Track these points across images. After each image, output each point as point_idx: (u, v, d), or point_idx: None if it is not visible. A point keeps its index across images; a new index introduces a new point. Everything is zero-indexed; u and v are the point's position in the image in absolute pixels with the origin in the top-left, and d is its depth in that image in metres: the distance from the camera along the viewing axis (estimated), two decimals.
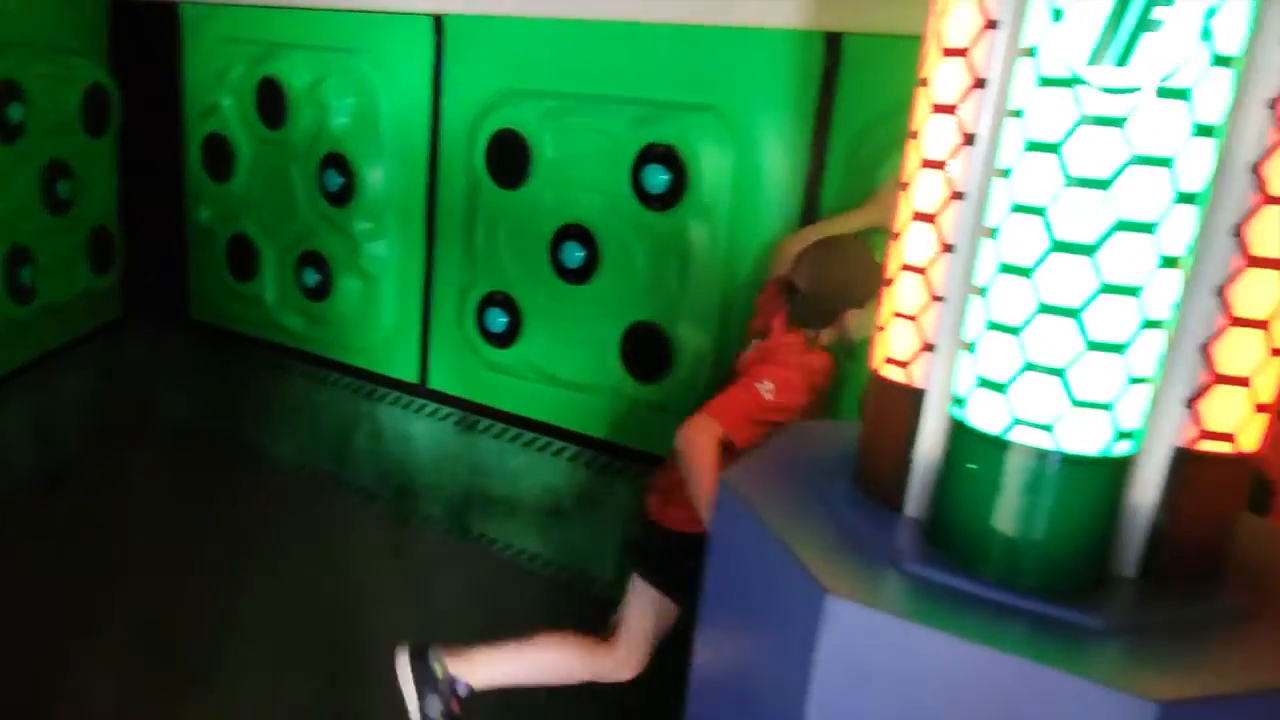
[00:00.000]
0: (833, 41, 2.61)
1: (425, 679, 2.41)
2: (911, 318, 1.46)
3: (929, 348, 1.44)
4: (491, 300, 3.32)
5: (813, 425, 2.04)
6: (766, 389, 2.15)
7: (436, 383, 3.67)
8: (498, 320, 3.32)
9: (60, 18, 3.62)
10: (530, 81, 3.11)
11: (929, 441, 1.45)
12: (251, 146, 3.82)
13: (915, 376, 1.47)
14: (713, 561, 1.69)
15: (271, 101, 3.64)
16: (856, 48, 2.58)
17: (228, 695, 2.67)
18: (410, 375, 3.73)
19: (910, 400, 1.47)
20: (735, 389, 2.20)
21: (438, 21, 3.28)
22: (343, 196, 3.57)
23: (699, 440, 2.11)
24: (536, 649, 2.43)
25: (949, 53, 1.37)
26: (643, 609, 2.38)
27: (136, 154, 4.13)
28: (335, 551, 3.52)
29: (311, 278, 3.77)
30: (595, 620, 3.18)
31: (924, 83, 1.43)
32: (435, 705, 2.41)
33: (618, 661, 2.40)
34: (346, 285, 3.72)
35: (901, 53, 2.51)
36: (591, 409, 3.26)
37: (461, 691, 2.42)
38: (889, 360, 1.51)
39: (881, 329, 1.54)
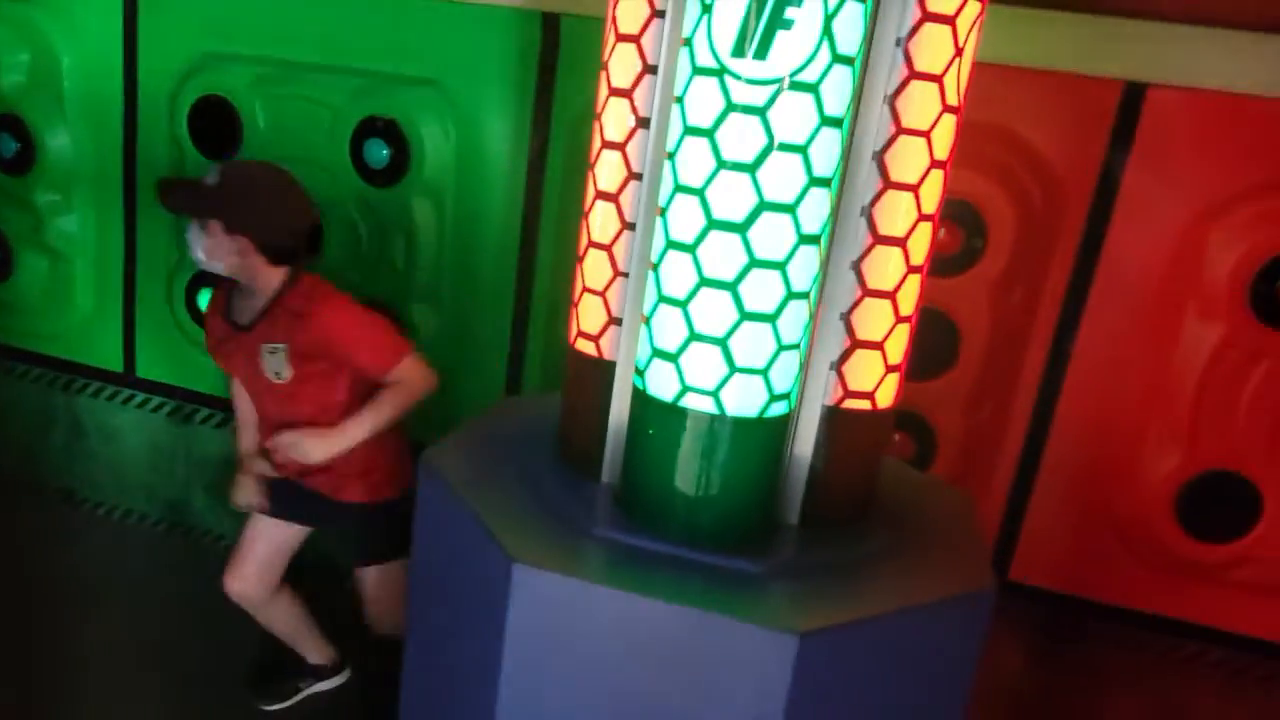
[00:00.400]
0: (550, 22, 2.63)
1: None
2: (599, 293, 1.52)
3: (615, 321, 1.51)
4: (204, 280, 3.08)
5: (519, 400, 2.09)
6: None
7: (145, 371, 3.37)
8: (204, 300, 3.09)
9: None
10: (237, 45, 2.90)
11: (618, 411, 1.53)
12: None
13: (605, 349, 1.54)
14: (418, 541, 1.68)
15: None
16: (573, 30, 2.63)
17: None
18: (115, 364, 3.39)
19: (602, 372, 1.54)
20: None
21: None
22: (20, 165, 3.16)
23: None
24: None
25: (623, 39, 1.43)
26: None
27: None
28: (40, 561, 3.18)
29: None
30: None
31: (605, 67, 1.49)
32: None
33: None
34: (31, 264, 3.31)
35: None
36: None
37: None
38: (581, 334, 1.57)
39: (575, 305, 1.59)
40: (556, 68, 2.67)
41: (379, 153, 2.76)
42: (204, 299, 3.09)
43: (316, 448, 2.12)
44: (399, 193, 2.79)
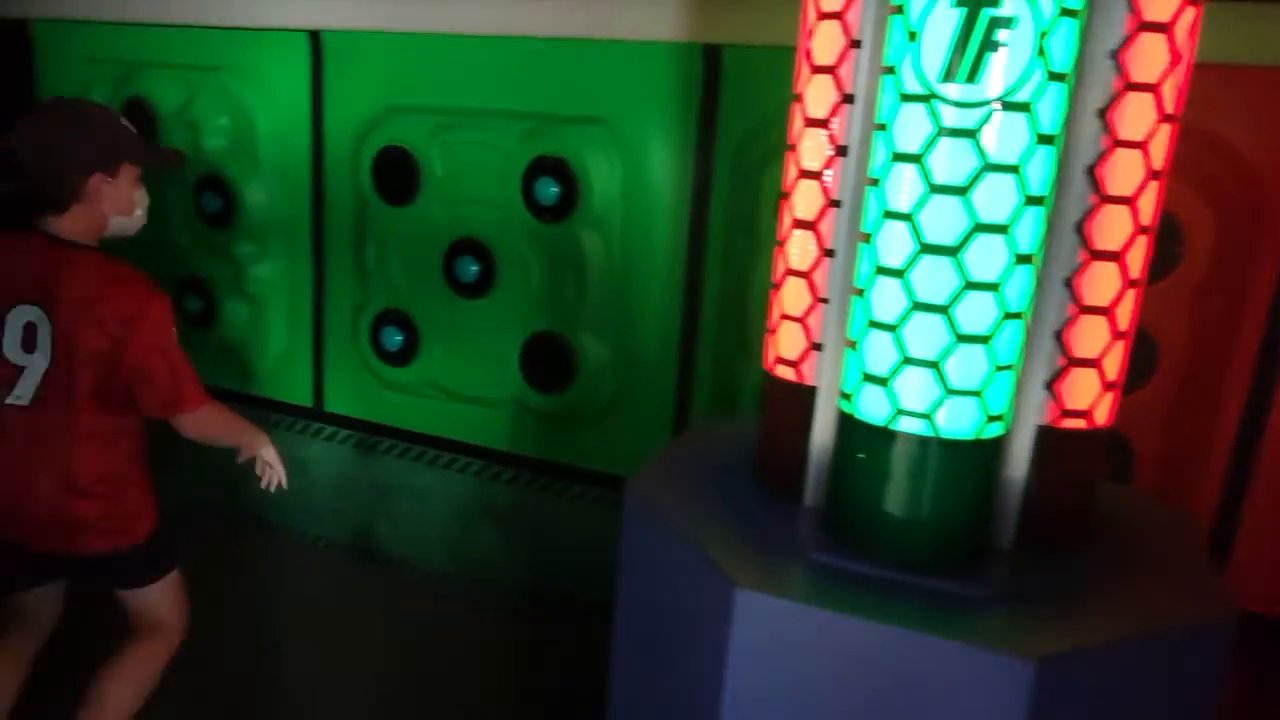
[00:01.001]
0: (712, 54, 2.70)
1: None
2: (799, 319, 1.55)
3: (816, 347, 1.53)
4: (386, 319, 3.29)
5: (713, 425, 2.12)
6: (174, 336, 1.98)
7: (333, 405, 3.60)
8: (394, 338, 3.29)
9: None
10: (415, 97, 3.10)
11: (822, 435, 1.54)
12: None
13: (806, 374, 1.56)
14: (624, 566, 1.74)
15: (140, 124, 3.48)
16: (735, 59, 2.68)
17: None
18: (305, 399, 3.65)
19: (802, 397, 1.56)
20: (176, 373, 1.96)
21: (314, 37, 3.23)
22: (222, 219, 3.47)
23: (206, 426, 2.10)
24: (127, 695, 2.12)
25: (818, 70, 1.46)
26: (157, 600, 2.16)
27: None
28: (237, 584, 3.42)
29: (194, 304, 3.64)
30: (505, 631, 3.21)
31: (798, 98, 1.52)
32: None
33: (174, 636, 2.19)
34: (232, 310, 3.61)
35: (778, 64, 2.63)
36: (494, 422, 3.26)
37: None
38: (780, 360, 1.60)
39: (772, 331, 1.62)
40: (719, 99, 2.73)
41: (549, 190, 2.88)
42: (388, 337, 3.30)
43: None
44: (569, 227, 2.90)
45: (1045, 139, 1.23)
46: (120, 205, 1.97)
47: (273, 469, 2.21)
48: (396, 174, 3.10)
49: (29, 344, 1.86)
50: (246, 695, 2.82)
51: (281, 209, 3.45)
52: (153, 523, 2.12)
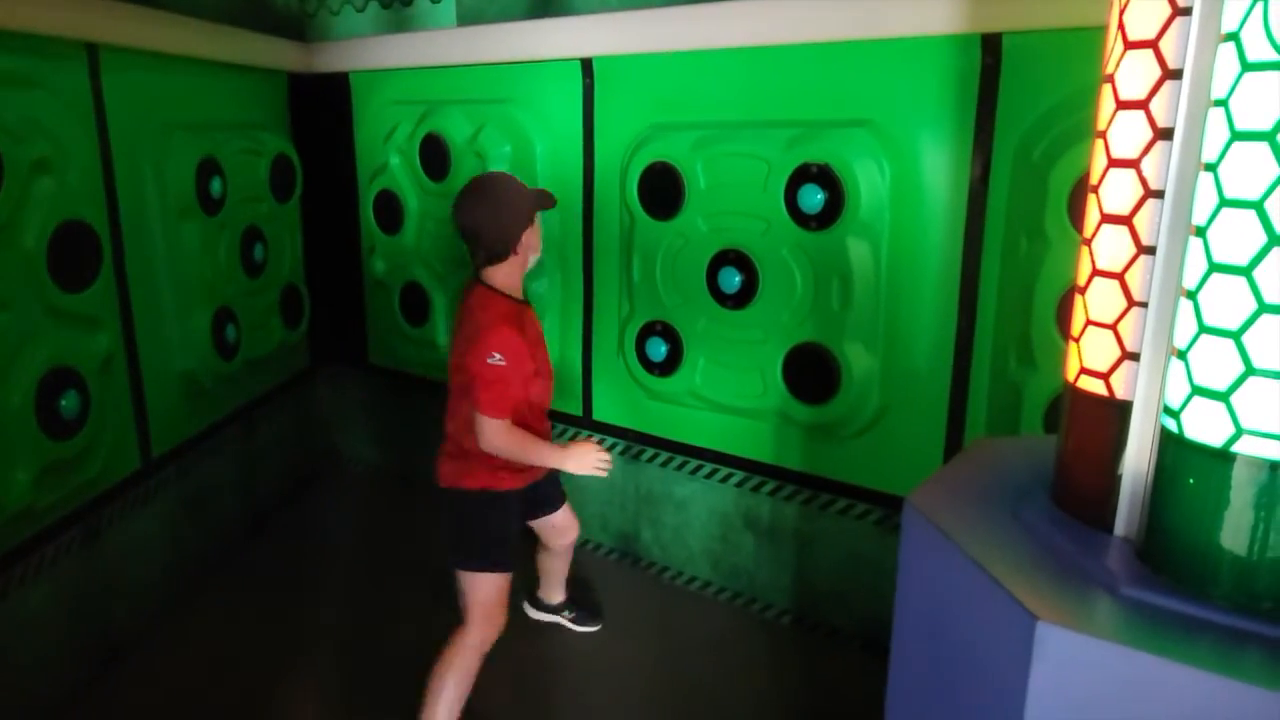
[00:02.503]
0: (990, 43, 2.52)
1: (550, 609, 3.32)
2: (1109, 326, 1.38)
3: (1130, 356, 1.36)
4: (651, 330, 3.37)
5: (996, 441, 1.96)
6: (496, 359, 2.34)
7: (600, 414, 3.75)
8: (658, 349, 3.36)
9: (249, 97, 3.98)
10: (680, 114, 3.17)
11: (1137, 456, 1.37)
12: (419, 199, 4.06)
13: (1117, 387, 1.39)
14: (903, 587, 1.64)
15: (435, 156, 3.86)
16: (1017, 46, 2.49)
17: None
18: (575, 408, 3.83)
19: (1113, 412, 1.39)
20: (483, 382, 2.36)
21: (586, 64, 3.39)
22: None
23: (498, 442, 2.42)
24: (442, 687, 2.53)
25: (1134, 45, 1.30)
26: (467, 586, 2.57)
27: (317, 215, 4.47)
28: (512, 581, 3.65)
29: None
30: (769, 643, 3.17)
31: (1108, 79, 1.36)
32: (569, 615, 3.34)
33: (483, 635, 2.57)
34: None
35: (1066, 47, 2.42)
36: (757, 433, 3.24)
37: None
38: (1085, 371, 1.44)
39: (1075, 340, 1.46)
40: (998, 89, 2.54)
41: (813, 198, 2.82)
42: (653, 348, 3.38)
43: None
44: (834, 235, 2.83)
45: None
46: (536, 246, 2.55)
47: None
48: (662, 189, 3.18)
49: None
50: (533, 682, 2.99)
51: (556, 228, 3.65)
52: (476, 489, 2.56)
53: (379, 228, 4.22)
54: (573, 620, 3.33)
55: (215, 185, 3.56)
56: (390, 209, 4.14)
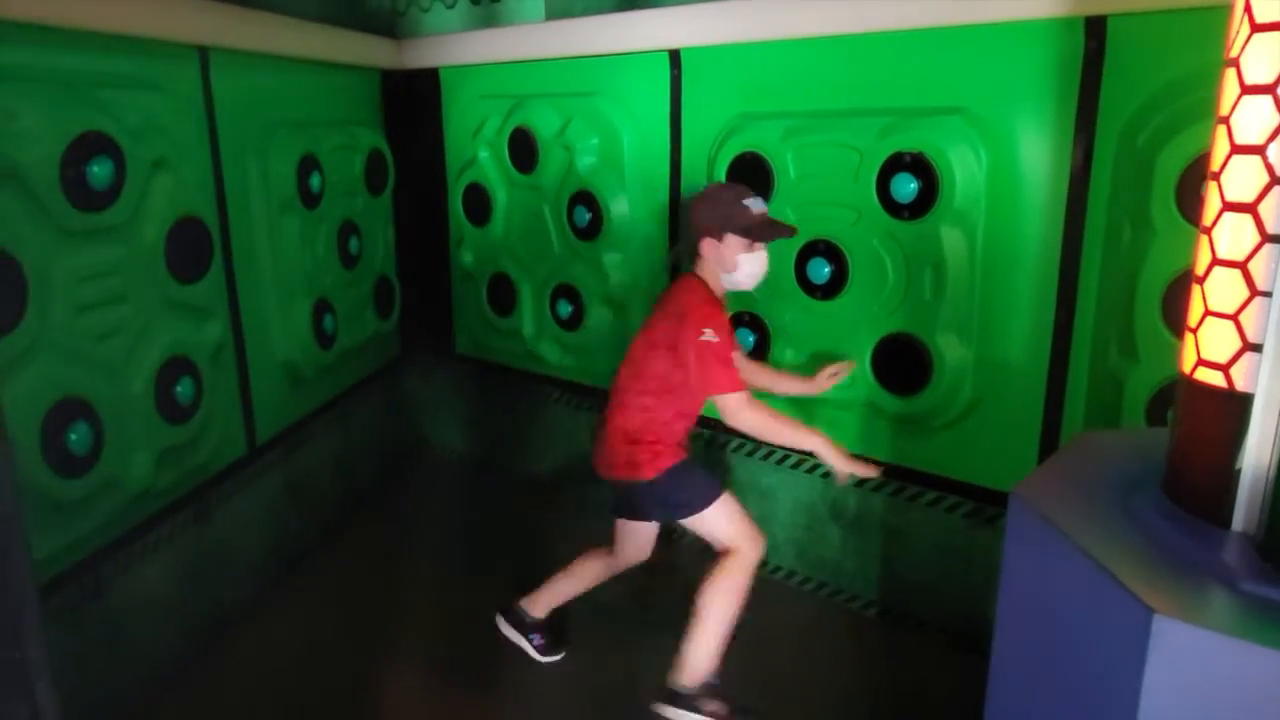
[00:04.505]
0: (1094, 25, 2.46)
1: (520, 625, 3.09)
2: (1230, 316, 1.35)
3: (1253, 348, 1.33)
4: (739, 320, 3.38)
5: (1101, 435, 1.93)
6: (709, 335, 2.45)
7: None
8: (745, 339, 3.37)
9: (345, 94, 4.11)
10: (768, 104, 3.16)
11: (1258, 450, 1.34)
12: (506, 192, 4.14)
13: (1237, 380, 1.35)
14: (1007, 580, 1.63)
15: (523, 149, 3.93)
16: (1123, 29, 2.42)
17: (526, 698, 2.89)
18: None
19: (1232, 405, 1.36)
20: (703, 360, 2.46)
21: (674, 56, 3.41)
22: (591, 231, 3.78)
23: (747, 415, 2.49)
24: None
25: (1262, 28, 1.26)
26: (709, 529, 2.68)
27: (408, 208, 4.59)
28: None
29: (565, 309, 4.01)
30: (855, 635, 3.16)
31: (1233, 63, 1.33)
32: (537, 640, 3.10)
33: (753, 551, 2.67)
34: (597, 314, 3.92)
35: (1174, 29, 2.35)
36: (844, 424, 3.23)
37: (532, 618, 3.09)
38: (1203, 363, 1.41)
39: (1193, 330, 1.43)
40: (1102, 74, 2.48)
41: (906, 187, 2.79)
42: (741, 338, 3.38)
43: None
44: (927, 224, 2.79)
45: None
46: (725, 263, 2.60)
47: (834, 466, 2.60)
48: (751, 179, 3.18)
49: None
50: (605, 657, 3.05)
51: (643, 219, 3.68)
52: (658, 470, 2.66)
53: (467, 220, 4.32)
54: (538, 648, 3.07)
55: (314, 180, 3.69)
56: (479, 202, 4.23)
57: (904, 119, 2.80)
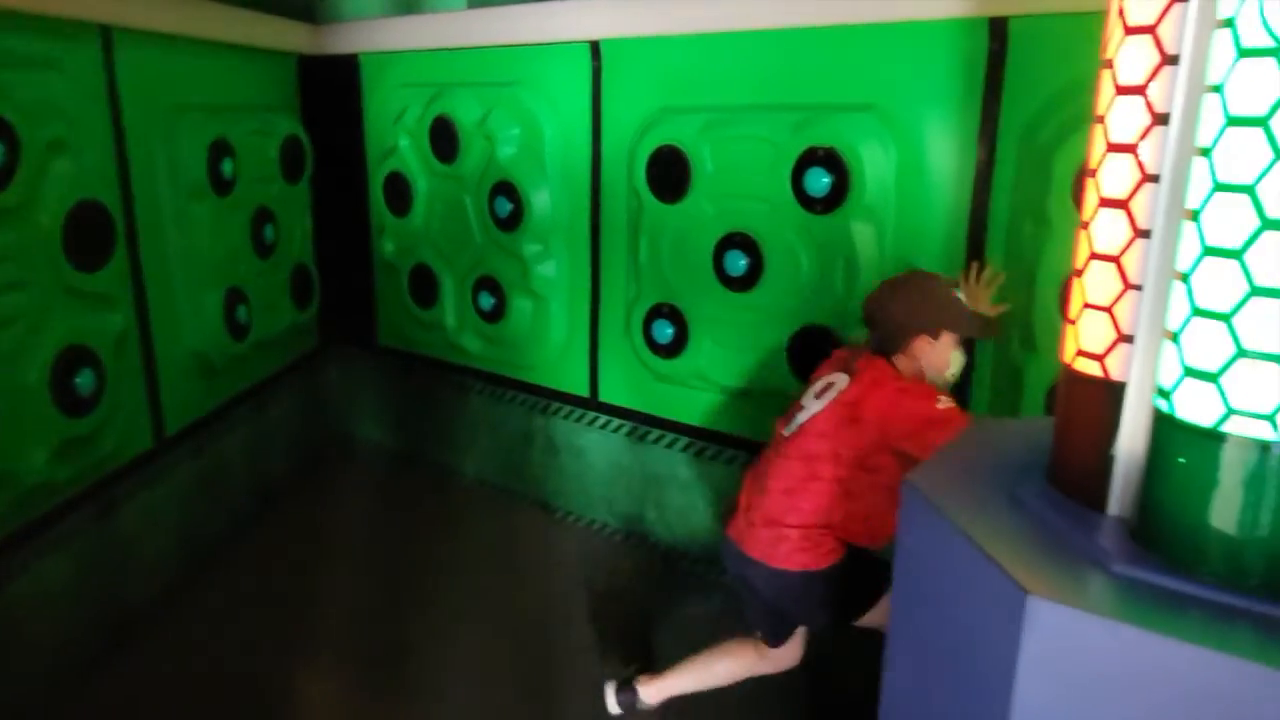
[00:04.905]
0: (997, 26, 2.53)
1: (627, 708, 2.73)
2: (1105, 309, 1.40)
3: (1125, 339, 1.38)
4: (658, 312, 3.40)
5: (995, 422, 1.99)
6: (945, 403, 2.18)
7: (607, 395, 3.79)
8: (664, 331, 3.39)
9: (260, 78, 4.01)
10: (687, 97, 3.18)
11: (1131, 436, 1.39)
12: (428, 181, 4.09)
13: (1112, 369, 1.41)
14: (899, 564, 1.67)
15: (444, 138, 3.88)
16: (1024, 30, 2.50)
17: (429, 701, 2.86)
18: (581, 389, 3.86)
19: (1107, 394, 1.42)
20: (923, 423, 2.16)
21: (594, 47, 3.41)
22: (512, 222, 3.76)
23: None
24: (711, 665, 2.63)
25: (1133, 30, 1.32)
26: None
27: (326, 196, 4.50)
28: (519, 561, 3.70)
29: (487, 301, 3.98)
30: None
31: (1108, 64, 1.38)
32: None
33: (780, 660, 2.56)
34: (519, 306, 3.90)
35: (1072, 31, 2.43)
36: (761, 415, 3.27)
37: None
38: (1082, 353, 1.46)
39: (1072, 322, 1.49)
40: (1004, 74, 2.55)
41: (819, 181, 2.84)
42: (659, 330, 3.40)
43: None
44: (839, 218, 2.85)
45: None
46: (936, 364, 2.35)
47: None
48: (669, 172, 3.20)
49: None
50: (531, 655, 3.04)
51: (564, 210, 3.67)
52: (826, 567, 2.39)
53: (388, 209, 4.26)
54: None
55: (226, 166, 3.59)
56: (399, 191, 4.17)
57: (817, 114, 2.85)
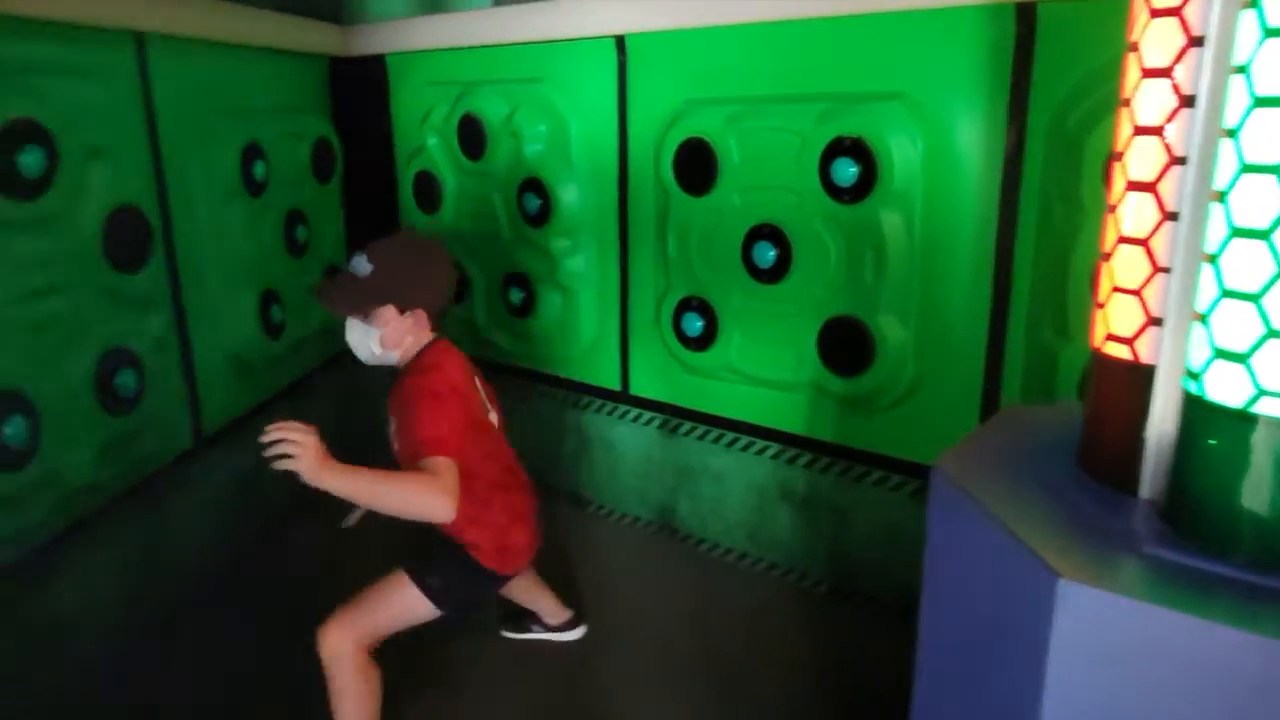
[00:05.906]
0: (1024, 12, 2.51)
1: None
2: (1134, 292, 1.40)
3: (1155, 322, 1.38)
4: (687, 305, 3.42)
5: (1025, 409, 1.98)
6: None
7: (638, 389, 3.81)
8: (694, 324, 3.41)
9: (290, 81, 4.06)
10: (713, 90, 3.18)
11: (1161, 419, 1.39)
12: (456, 179, 4.13)
13: (1141, 352, 1.41)
14: (930, 553, 1.68)
15: (472, 136, 3.91)
16: (1051, 15, 2.48)
17: (463, 690, 2.91)
18: (613, 383, 3.89)
19: (1137, 377, 1.42)
20: None
21: (620, 42, 3.42)
22: (541, 218, 3.79)
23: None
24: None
25: (1159, 13, 1.31)
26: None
27: (357, 196, 4.56)
28: (554, 555, 3.73)
29: (516, 296, 4.02)
30: (805, 613, 3.22)
31: (1134, 47, 1.38)
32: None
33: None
34: (548, 301, 3.93)
35: (1100, 15, 2.40)
36: (792, 406, 3.28)
37: None
38: (1111, 337, 1.46)
39: (1101, 306, 1.48)
40: (1033, 60, 2.53)
41: (847, 171, 2.83)
42: (689, 323, 3.42)
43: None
44: (867, 208, 2.84)
45: None
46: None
47: None
48: (696, 165, 3.21)
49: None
50: (559, 652, 3.08)
51: (591, 205, 3.69)
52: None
53: (417, 208, 4.30)
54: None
55: (259, 169, 3.65)
56: (429, 189, 4.21)
57: (843, 104, 2.84)
